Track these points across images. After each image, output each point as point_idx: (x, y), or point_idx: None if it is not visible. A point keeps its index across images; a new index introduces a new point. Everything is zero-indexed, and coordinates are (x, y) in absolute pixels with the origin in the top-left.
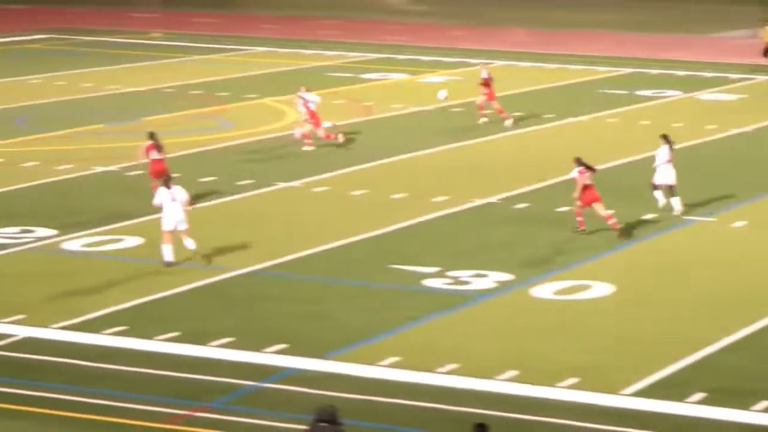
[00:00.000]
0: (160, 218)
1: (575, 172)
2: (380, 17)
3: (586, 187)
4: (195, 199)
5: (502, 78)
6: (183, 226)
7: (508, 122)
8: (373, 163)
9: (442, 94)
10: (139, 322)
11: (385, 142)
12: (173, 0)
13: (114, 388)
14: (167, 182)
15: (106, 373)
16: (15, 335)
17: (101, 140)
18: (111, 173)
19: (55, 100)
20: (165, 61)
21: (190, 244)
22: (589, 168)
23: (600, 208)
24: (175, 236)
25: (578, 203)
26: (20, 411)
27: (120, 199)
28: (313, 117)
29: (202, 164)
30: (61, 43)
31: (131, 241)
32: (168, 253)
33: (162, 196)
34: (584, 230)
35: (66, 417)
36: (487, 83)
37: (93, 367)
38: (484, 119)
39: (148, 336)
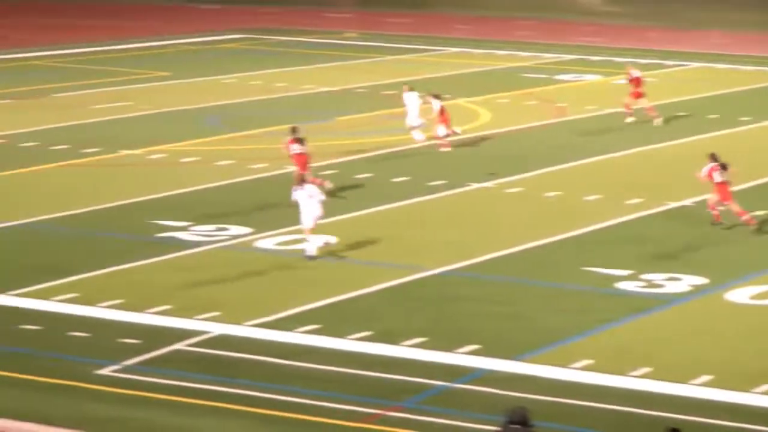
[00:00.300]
0: (302, 215)
1: (706, 169)
2: (575, 18)
3: (721, 185)
4: (383, 199)
5: (697, 80)
6: (314, 223)
7: (657, 121)
8: (567, 165)
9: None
10: (332, 320)
11: (578, 143)
12: (367, 0)
13: (307, 387)
14: (302, 181)
15: (299, 371)
16: (209, 332)
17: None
18: None
19: (250, 99)
20: (358, 61)
21: (312, 245)
22: (724, 166)
23: (726, 206)
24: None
25: (718, 198)
26: (214, 407)
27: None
28: (442, 115)
29: (395, 165)
30: (256, 42)
31: (324, 240)
32: (311, 247)
33: (298, 194)
34: (721, 223)
35: (260, 414)
36: (637, 82)
37: (286, 365)
38: (631, 119)
39: (340, 335)
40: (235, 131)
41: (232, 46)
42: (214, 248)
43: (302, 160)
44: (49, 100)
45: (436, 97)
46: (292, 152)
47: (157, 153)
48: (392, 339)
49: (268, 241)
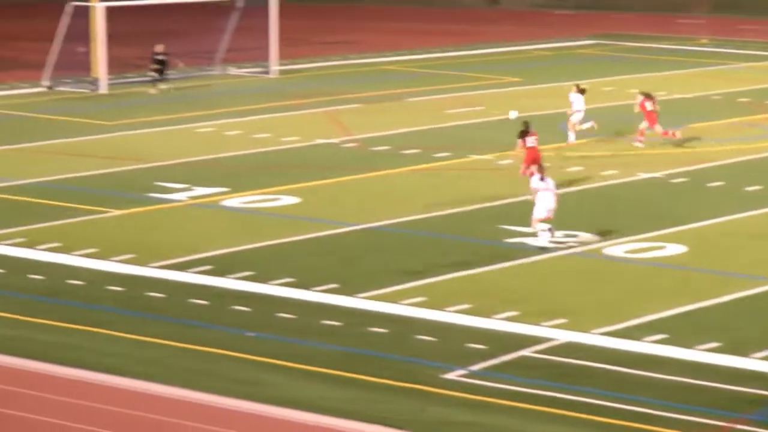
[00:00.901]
0: (537, 206)
1: None
2: None
3: None
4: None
5: None
6: (551, 215)
7: None
8: None
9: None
10: (681, 330)
11: None
12: (722, 6)
13: (652, 397)
14: (540, 171)
15: (644, 380)
16: (556, 339)
17: (646, 146)
18: (656, 180)
19: (602, 105)
20: (712, 68)
21: (543, 236)
22: None
23: None
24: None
25: None
26: (560, 415)
27: (664, 206)
28: (649, 116)
29: (749, 173)
30: (608, 48)
31: (672, 249)
32: (543, 238)
33: (537, 183)
34: None
35: (604, 423)
36: None
37: (632, 374)
38: None
39: (688, 345)
40: (586, 137)
41: (585, 52)
42: (563, 255)
43: (536, 153)
44: (403, 105)
45: (648, 96)
46: (528, 146)
47: (506, 158)
48: (742, 351)
49: (617, 249)
